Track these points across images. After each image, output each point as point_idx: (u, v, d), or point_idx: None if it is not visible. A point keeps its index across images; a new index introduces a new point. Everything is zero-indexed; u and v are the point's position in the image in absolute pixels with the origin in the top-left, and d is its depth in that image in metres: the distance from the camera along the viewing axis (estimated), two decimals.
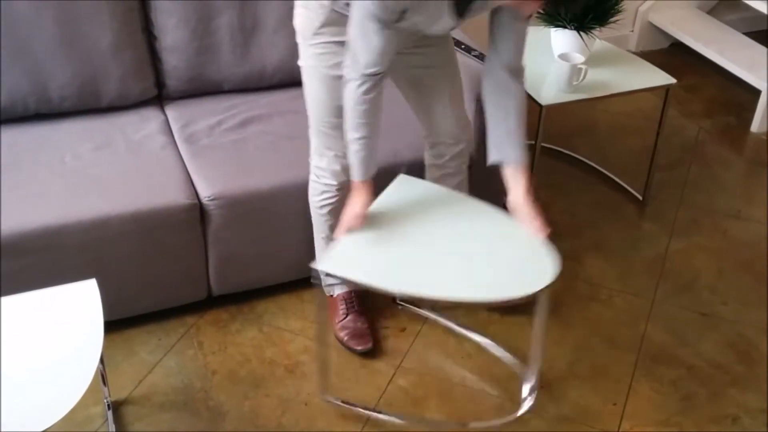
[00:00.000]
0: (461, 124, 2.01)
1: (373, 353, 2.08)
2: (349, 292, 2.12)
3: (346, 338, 2.08)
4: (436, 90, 1.94)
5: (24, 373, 1.50)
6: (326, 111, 1.87)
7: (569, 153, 2.88)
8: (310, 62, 1.85)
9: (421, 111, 1.99)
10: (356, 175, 1.81)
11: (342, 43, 1.74)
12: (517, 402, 1.97)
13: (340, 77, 1.76)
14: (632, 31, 3.59)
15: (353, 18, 1.66)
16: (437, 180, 2.06)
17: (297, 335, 2.14)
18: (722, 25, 3.50)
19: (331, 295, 2.14)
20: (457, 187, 2.05)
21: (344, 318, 2.10)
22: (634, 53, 3.57)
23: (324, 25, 1.78)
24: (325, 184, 1.97)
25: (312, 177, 1.99)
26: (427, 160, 2.08)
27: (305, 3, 1.80)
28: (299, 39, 1.86)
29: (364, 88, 1.70)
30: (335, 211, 1.96)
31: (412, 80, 1.93)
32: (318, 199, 2.00)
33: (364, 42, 1.65)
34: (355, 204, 1.81)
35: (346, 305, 2.11)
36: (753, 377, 2.08)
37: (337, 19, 1.76)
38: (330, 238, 2.01)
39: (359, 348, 2.06)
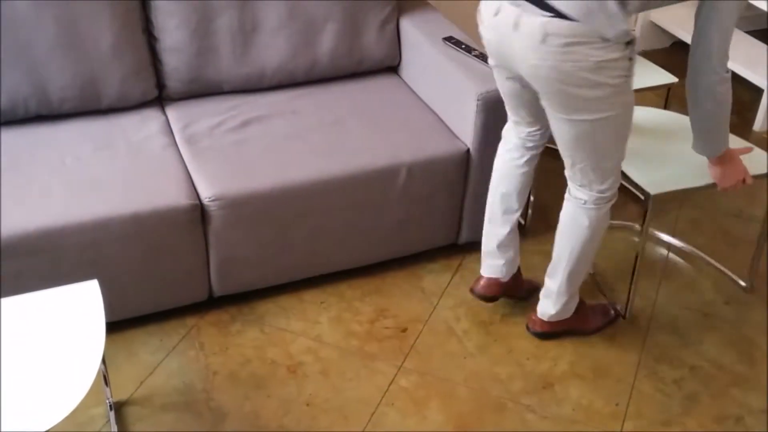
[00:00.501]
0: None
1: (375, 356, 2.07)
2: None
3: (603, 320, 2.18)
4: None
5: (26, 374, 1.50)
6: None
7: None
8: (625, 103, 1.80)
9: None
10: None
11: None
12: (520, 402, 1.97)
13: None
14: (634, 30, 3.58)
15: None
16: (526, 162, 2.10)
17: (298, 336, 2.14)
18: None
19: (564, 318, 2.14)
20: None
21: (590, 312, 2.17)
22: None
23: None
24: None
25: (606, 211, 1.98)
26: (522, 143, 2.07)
27: (614, 62, 1.70)
28: (611, 91, 1.75)
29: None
30: None
31: None
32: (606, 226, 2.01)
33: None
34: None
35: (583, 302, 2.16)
36: (755, 377, 2.07)
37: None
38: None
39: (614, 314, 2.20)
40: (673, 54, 3.58)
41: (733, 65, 3.20)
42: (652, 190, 2.09)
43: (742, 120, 3.20)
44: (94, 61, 2.20)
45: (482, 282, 2.18)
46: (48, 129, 2.20)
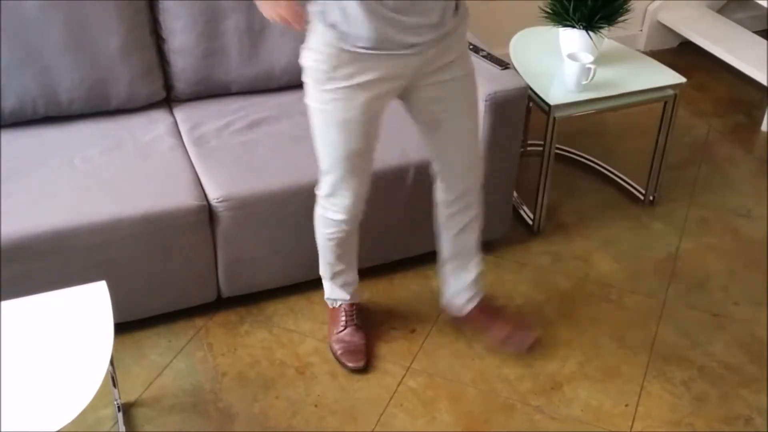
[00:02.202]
0: (475, 155, 1.93)
1: (384, 357, 2.07)
2: (351, 305, 2.09)
3: (339, 352, 2.04)
4: (455, 126, 1.84)
5: (34, 375, 1.50)
6: (343, 154, 1.78)
7: (578, 153, 2.87)
8: (321, 106, 1.73)
9: (434, 147, 1.91)
10: None
11: (359, 86, 1.66)
12: (529, 403, 1.96)
13: (358, 119, 1.71)
14: (641, 30, 3.58)
15: None
16: (447, 218, 2.00)
17: (306, 337, 2.14)
18: (732, 23, 3.48)
19: (333, 307, 2.12)
20: (469, 226, 1.99)
21: (342, 330, 2.07)
22: (643, 52, 3.56)
23: (336, 68, 1.65)
24: (336, 220, 1.90)
25: (319, 210, 1.92)
26: (438, 196, 1.99)
27: (311, 44, 1.67)
28: (307, 80, 1.72)
29: None
30: (342, 242, 1.95)
31: (430, 118, 1.85)
32: (326, 232, 1.94)
33: None
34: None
35: (347, 317, 2.08)
36: (765, 378, 2.06)
37: (350, 60, 1.64)
38: (336, 265, 2.01)
39: (351, 365, 2.02)
40: (680, 54, 3.57)
41: (741, 65, 3.21)
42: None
43: (750, 119, 3.19)
44: (103, 63, 2.21)
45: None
46: (56, 130, 2.21)
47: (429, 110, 1.83)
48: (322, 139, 1.80)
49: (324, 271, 2.06)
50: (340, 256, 1.99)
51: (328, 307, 2.13)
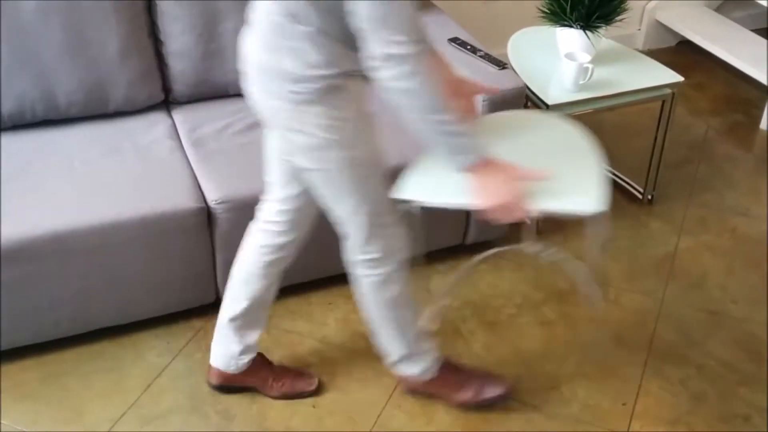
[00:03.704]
0: None
1: (382, 357, 2.07)
2: (445, 357, 1.92)
3: (478, 395, 1.90)
4: None
5: None
6: (381, 188, 1.62)
7: None
8: (344, 160, 1.55)
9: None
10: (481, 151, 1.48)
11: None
12: (527, 403, 1.97)
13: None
14: (639, 29, 3.58)
15: None
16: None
17: (305, 337, 2.14)
18: (730, 22, 3.48)
19: (433, 378, 1.90)
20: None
21: (465, 380, 1.91)
22: (641, 51, 3.56)
23: (355, 113, 1.54)
24: (400, 273, 1.71)
25: (371, 278, 1.72)
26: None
27: (319, 98, 1.48)
28: (316, 142, 1.52)
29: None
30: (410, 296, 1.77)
31: None
32: (393, 287, 1.73)
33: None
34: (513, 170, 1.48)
35: (449, 367, 1.91)
36: (763, 376, 2.07)
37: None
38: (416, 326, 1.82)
39: (503, 390, 1.90)
40: (678, 53, 3.57)
41: (739, 64, 3.21)
42: None
43: (748, 118, 3.19)
44: (101, 66, 2.21)
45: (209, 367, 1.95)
46: (55, 133, 2.22)
47: None
48: (352, 190, 1.59)
49: (405, 344, 1.81)
50: (415, 313, 1.79)
51: (432, 382, 1.90)
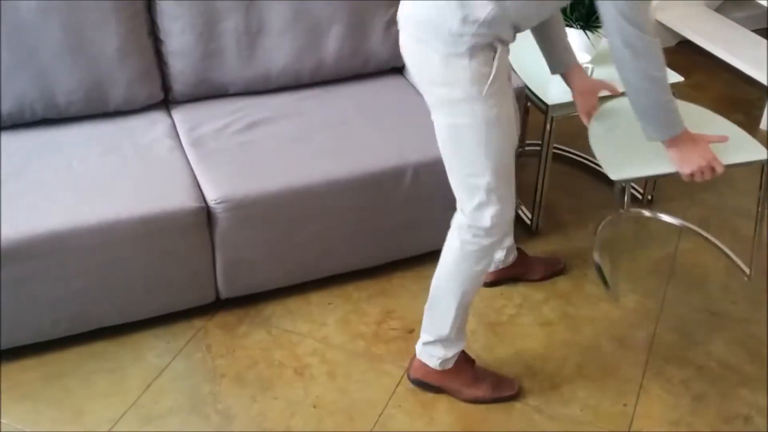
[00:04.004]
0: None
1: (382, 357, 2.07)
2: (463, 351, 1.95)
3: (491, 391, 1.94)
4: None
5: None
6: (509, 157, 1.69)
7: (576, 153, 2.87)
8: (485, 115, 1.62)
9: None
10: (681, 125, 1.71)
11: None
12: (528, 403, 1.96)
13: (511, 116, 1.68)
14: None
15: None
16: None
17: (305, 337, 2.14)
18: (730, 22, 3.48)
19: (448, 368, 1.94)
20: None
21: (473, 374, 1.95)
22: None
23: (499, 66, 1.60)
24: (494, 245, 1.76)
25: (476, 243, 1.75)
26: None
27: (470, 53, 1.57)
28: (469, 95, 1.60)
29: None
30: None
31: None
32: (480, 268, 1.78)
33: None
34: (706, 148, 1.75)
35: (467, 364, 1.96)
36: (764, 376, 2.06)
37: (504, 54, 1.62)
38: (468, 311, 1.87)
39: (511, 393, 1.95)
40: (678, 53, 3.57)
41: (739, 64, 3.21)
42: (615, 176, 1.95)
43: (749, 119, 3.19)
44: (101, 65, 2.21)
45: None
46: (55, 132, 2.21)
47: None
48: (490, 152, 1.66)
49: (455, 325, 1.85)
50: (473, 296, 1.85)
51: (445, 373, 1.93)
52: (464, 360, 1.95)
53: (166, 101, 2.37)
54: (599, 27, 2.35)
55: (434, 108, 1.70)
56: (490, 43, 1.58)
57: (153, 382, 1.99)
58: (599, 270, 2.36)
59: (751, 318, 2.25)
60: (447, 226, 2.35)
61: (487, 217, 1.72)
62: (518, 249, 2.30)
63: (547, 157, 2.39)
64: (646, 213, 2.64)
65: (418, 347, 1.95)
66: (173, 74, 2.33)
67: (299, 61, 2.41)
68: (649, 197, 2.68)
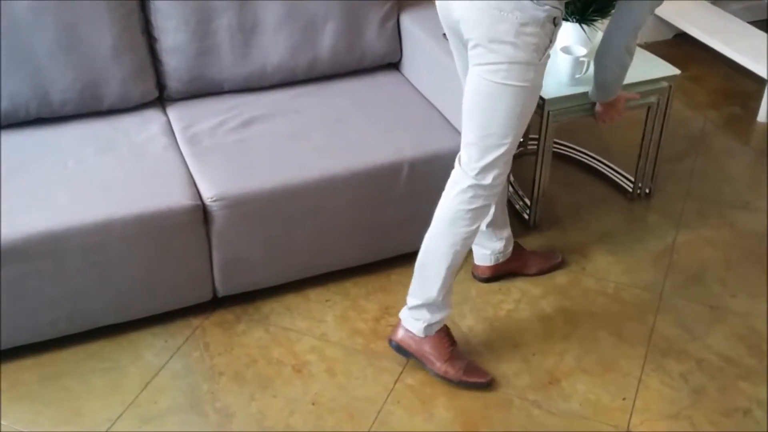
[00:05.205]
0: None
1: (381, 354, 2.07)
2: (445, 325, 1.99)
3: (462, 373, 1.95)
4: None
5: None
6: (527, 122, 1.82)
7: (573, 148, 2.86)
8: (535, 81, 1.75)
9: None
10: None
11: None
12: (527, 398, 1.96)
13: None
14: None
15: None
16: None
17: (303, 335, 2.13)
18: (726, 14, 3.47)
19: (429, 335, 1.96)
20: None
21: (451, 350, 1.97)
22: (639, 45, 3.55)
23: (551, 39, 1.73)
24: (489, 206, 1.87)
25: (479, 201, 1.83)
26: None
27: (540, 22, 1.67)
28: (530, 59, 1.70)
29: None
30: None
31: None
32: (477, 224, 1.86)
33: None
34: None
35: (448, 338, 1.98)
36: (764, 370, 2.06)
37: (555, 28, 1.73)
38: (455, 273, 1.92)
39: (480, 381, 1.96)
40: (676, 46, 3.56)
41: (736, 56, 3.20)
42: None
43: (746, 111, 3.18)
44: (95, 63, 2.20)
45: (475, 267, 2.30)
46: (49, 131, 2.20)
47: None
48: (521, 113, 1.77)
49: (443, 289, 1.90)
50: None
51: (425, 339, 1.95)
52: (446, 334, 1.99)
53: (161, 99, 2.36)
54: (595, 20, 2.34)
55: (483, 65, 1.73)
56: (556, 17, 1.70)
57: (151, 381, 1.98)
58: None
59: (750, 311, 2.25)
60: None
61: (490, 177, 1.80)
62: (516, 243, 2.30)
63: (545, 152, 2.38)
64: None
65: (404, 312, 1.99)
66: (168, 72, 2.32)
67: (294, 57, 2.40)
68: (647, 191, 2.67)
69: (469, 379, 1.97)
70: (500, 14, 1.67)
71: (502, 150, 1.79)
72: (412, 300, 1.95)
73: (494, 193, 1.85)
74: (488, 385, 1.98)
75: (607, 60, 2.00)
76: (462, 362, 1.98)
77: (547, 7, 1.67)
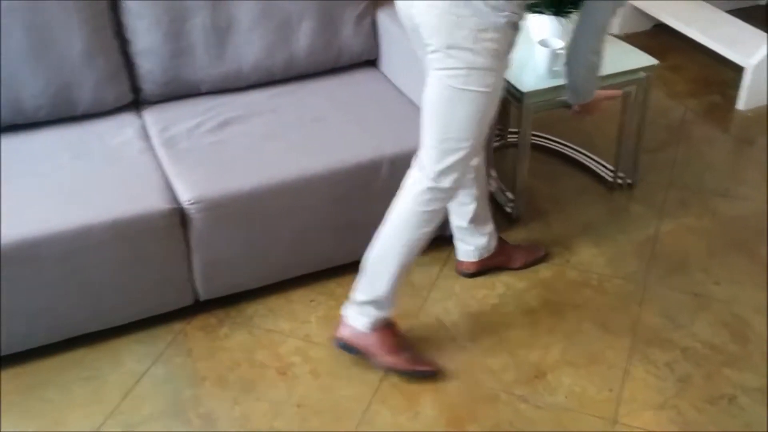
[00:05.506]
0: None
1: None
2: (390, 320, 1.99)
3: (408, 364, 1.97)
4: None
5: None
6: (487, 127, 1.79)
7: (554, 139, 2.86)
8: (495, 86, 1.72)
9: None
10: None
11: None
12: (513, 393, 1.95)
13: None
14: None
15: None
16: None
17: (287, 336, 2.11)
18: (704, 4, 3.48)
19: (375, 330, 1.96)
20: (482, 166, 2.13)
21: (397, 342, 1.97)
22: (618, 36, 3.55)
23: (511, 43, 1.72)
24: (442, 207, 1.85)
25: (438, 204, 1.82)
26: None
27: (499, 28, 1.66)
28: (490, 65, 1.69)
29: None
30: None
31: None
32: (432, 225, 1.85)
33: None
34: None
35: (392, 330, 1.99)
36: (748, 356, 2.06)
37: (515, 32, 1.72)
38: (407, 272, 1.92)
39: (427, 369, 1.97)
40: (654, 37, 3.57)
41: (715, 45, 3.21)
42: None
43: (725, 99, 3.19)
44: (67, 68, 2.17)
45: (459, 263, 2.29)
46: (23, 138, 2.17)
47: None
48: (481, 120, 1.75)
49: (393, 287, 1.90)
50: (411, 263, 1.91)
51: (371, 334, 1.96)
52: (391, 327, 1.99)
53: (136, 102, 2.33)
54: (571, 12, 2.33)
55: (443, 70, 1.71)
56: (516, 22, 1.69)
57: (133, 389, 1.96)
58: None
59: (733, 298, 2.25)
60: None
61: (449, 180, 1.79)
62: (499, 238, 2.29)
63: (525, 145, 2.37)
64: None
65: (348, 309, 1.98)
66: (142, 74, 2.29)
67: (270, 57, 2.38)
68: (629, 181, 2.67)
69: (418, 368, 1.97)
70: (458, 20, 1.64)
71: (461, 154, 1.76)
72: (359, 296, 1.94)
73: (451, 196, 1.84)
74: (434, 374, 1.97)
75: (575, 63, 1.97)
76: (408, 353, 1.98)
77: (506, 12, 1.65)
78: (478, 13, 1.64)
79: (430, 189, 1.80)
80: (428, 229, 1.85)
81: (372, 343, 1.96)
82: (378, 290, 1.91)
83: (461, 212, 2.18)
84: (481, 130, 1.77)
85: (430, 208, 1.82)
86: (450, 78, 1.70)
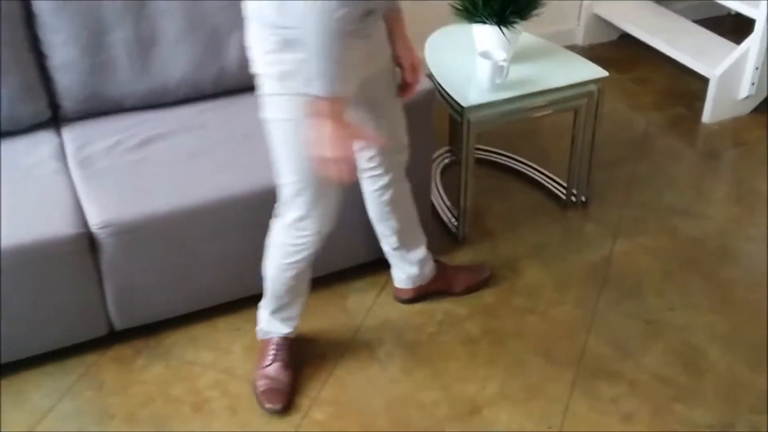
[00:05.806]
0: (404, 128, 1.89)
1: (284, 411, 1.89)
2: (285, 339, 1.94)
3: (261, 389, 1.88)
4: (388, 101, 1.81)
5: None
6: (301, 163, 1.62)
7: (507, 154, 2.72)
8: (294, 114, 1.56)
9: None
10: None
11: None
12: (444, 430, 1.81)
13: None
14: (578, 24, 3.45)
15: None
16: (381, 188, 1.91)
17: (207, 368, 1.98)
18: (670, 13, 3.36)
19: (264, 339, 1.96)
20: (406, 194, 1.98)
21: (268, 365, 1.91)
22: (582, 47, 3.44)
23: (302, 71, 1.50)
24: (302, 246, 1.76)
25: (282, 238, 1.78)
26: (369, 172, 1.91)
27: (274, 49, 1.53)
28: (279, 90, 1.57)
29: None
30: (302, 273, 1.83)
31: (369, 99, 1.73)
32: (287, 261, 1.80)
33: None
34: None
35: (276, 351, 1.92)
36: (701, 390, 1.92)
37: None
38: (285, 297, 1.87)
39: (268, 405, 1.86)
40: (619, 47, 3.45)
41: (680, 56, 3.09)
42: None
43: (691, 111, 3.06)
44: None
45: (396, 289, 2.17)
46: None
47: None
48: (288, 154, 1.65)
49: (268, 303, 1.91)
50: (293, 288, 1.86)
51: (257, 339, 1.98)
52: (275, 350, 1.92)
53: (56, 119, 2.21)
54: (515, 22, 2.21)
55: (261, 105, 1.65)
56: (292, 40, 1.50)
57: (37, 426, 1.82)
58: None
59: (687, 325, 2.11)
60: (361, 241, 2.21)
61: (289, 218, 1.73)
62: (438, 261, 2.16)
63: (468, 161, 2.25)
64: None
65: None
66: (60, 90, 2.16)
67: (199, 71, 2.25)
68: (583, 199, 2.54)
69: (262, 400, 1.87)
70: (253, 42, 1.59)
71: (284, 190, 1.70)
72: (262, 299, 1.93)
73: (304, 235, 1.74)
74: (279, 411, 1.86)
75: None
76: (269, 382, 1.89)
77: (279, 30, 1.50)
78: (260, 34, 1.55)
79: (285, 222, 1.76)
80: (292, 261, 1.80)
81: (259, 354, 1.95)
82: (266, 301, 1.92)
83: (385, 242, 2.06)
84: (292, 165, 1.65)
85: (288, 241, 1.78)
86: (260, 107, 1.66)
